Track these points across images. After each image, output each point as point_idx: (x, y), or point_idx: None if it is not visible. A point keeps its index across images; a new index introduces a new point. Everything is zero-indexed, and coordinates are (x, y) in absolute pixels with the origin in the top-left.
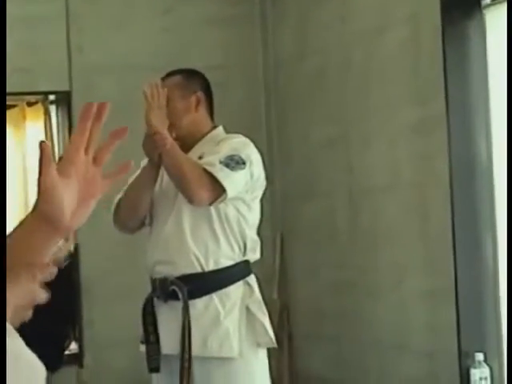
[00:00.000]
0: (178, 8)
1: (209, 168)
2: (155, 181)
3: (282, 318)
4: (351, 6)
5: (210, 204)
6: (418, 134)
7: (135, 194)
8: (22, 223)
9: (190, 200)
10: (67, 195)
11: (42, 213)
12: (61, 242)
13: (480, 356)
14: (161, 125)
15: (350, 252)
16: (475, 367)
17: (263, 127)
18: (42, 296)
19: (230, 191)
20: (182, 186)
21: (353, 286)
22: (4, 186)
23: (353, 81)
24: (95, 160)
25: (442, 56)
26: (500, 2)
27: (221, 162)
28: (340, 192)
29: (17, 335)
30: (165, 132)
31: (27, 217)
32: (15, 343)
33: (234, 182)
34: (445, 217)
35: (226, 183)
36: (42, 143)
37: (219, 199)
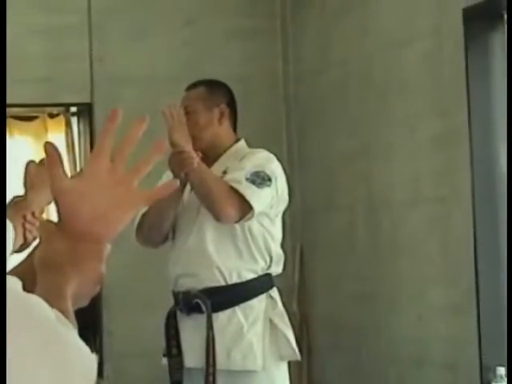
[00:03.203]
0: (199, 20)
1: (235, 185)
2: (180, 199)
3: (301, 330)
4: (373, 18)
5: (237, 222)
6: (439, 146)
7: (159, 212)
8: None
9: (217, 218)
10: (82, 198)
11: (59, 218)
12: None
13: (502, 370)
14: (186, 143)
15: (369, 264)
16: (496, 381)
17: (283, 140)
18: (104, 273)
19: (257, 208)
20: (209, 204)
21: (373, 298)
22: (4, 185)
23: (374, 94)
24: (131, 171)
25: (464, 69)
26: None
27: (247, 179)
28: (360, 205)
29: (73, 327)
30: (191, 151)
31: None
32: (71, 332)
33: (260, 199)
34: (466, 230)
35: (252, 201)
36: (46, 144)
37: (246, 217)
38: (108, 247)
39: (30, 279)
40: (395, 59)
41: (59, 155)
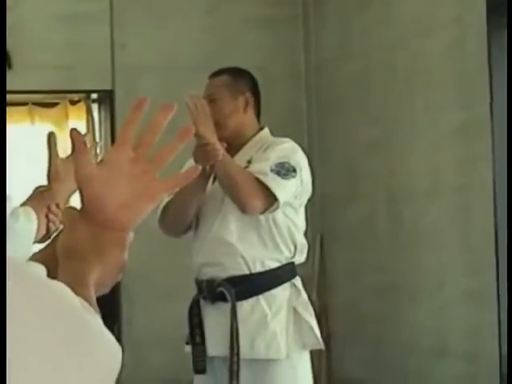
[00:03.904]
0: (220, 8)
1: (261, 177)
2: (205, 189)
3: (320, 319)
4: (396, 9)
5: (263, 213)
6: (461, 137)
7: (184, 202)
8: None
9: (243, 209)
10: (108, 186)
11: (84, 205)
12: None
13: None
14: (211, 135)
15: (390, 255)
16: None
17: (304, 129)
18: (126, 260)
19: (282, 200)
20: (235, 196)
21: (393, 288)
22: (4, 185)
23: (396, 84)
24: (154, 160)
25: (486, 60)
26: None
27: (272, 170)
28: (381, 195)
29: (97, 314)
30: (216, 142)
31: (72, 214)
32: (97, 320)
33: (285, 190)
34: (487, 220)
35: (278, 192)
36: (72, 131)
37: (271, 208)
38: (131, 235)
39: (51, 266)
40: (417, 49)
41: (85, 142)
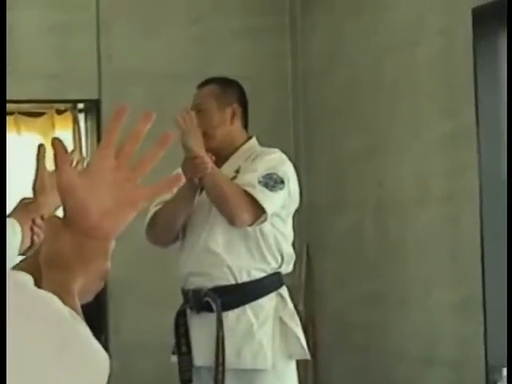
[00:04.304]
0: (207, 18)
1: (249, 189)
2: (193, 201)
3: (307, 329)
4: (383, 18)
5: (251, 225)
6: (448, 147)
7: (172, 213)
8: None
9: (232, 222)
10: (91, 194)
11: (67, 214)
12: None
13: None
14: (199, 148)
15: (377, 264)
16: (502, 382)
17: (291, 138)
18: (109, 269)
19: (270, 212)
20: (223, 209)
21: (380, 297)
22: (4, 186)
23: (383, 93)
24: (136, 168)
25: (473, 70)
26: None
27: (260, 182)
28: (368, 204)
29: (84, 324)
30: (205, 155)
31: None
32: (85, 329)
33: (273, 202)
34: (474, 229)
35: (266, 205)
36: (54, 140)
37: (259, 220)
38: (113, 244)
39: (35, 276)
40: (405, 58)
41: (67, 151)
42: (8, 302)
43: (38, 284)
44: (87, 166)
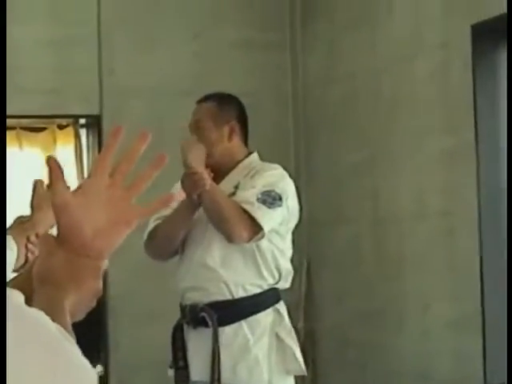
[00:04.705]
0: (208, 33)
1: (247, 207)
2: (192, 217)
3: (306, 344)
4: (381, 32)
5: (248, 241)
6: (446, 162)
7: (172, 230)
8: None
9: (229, 238)
10: (85, 213)
11: (60, 232)
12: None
13: None
14: (199, 164)
15: (375, 280)
16: None
17: (291, 152)
18: (101, 287)
19: (267, 229)
20: (221, 225)
21: (378, 314)
22: (4, 188)
23: (382, 107)
24: (131, 187)
25: (471, 85)
26: None
27: (258, 199)
28: (366, 219)
29: (74, 342)
30: (204, 172)
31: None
32: (74, 347)
33: (271, 219)
34: (472, 245)
35: (263, 222)
36: (49, 158)
37: (257, 237)
38: (106, 263)
39: (27, 293)
40: (403, 74)
41: (61, 170)
42: None
43: (29, 300)
44: (82, 184)
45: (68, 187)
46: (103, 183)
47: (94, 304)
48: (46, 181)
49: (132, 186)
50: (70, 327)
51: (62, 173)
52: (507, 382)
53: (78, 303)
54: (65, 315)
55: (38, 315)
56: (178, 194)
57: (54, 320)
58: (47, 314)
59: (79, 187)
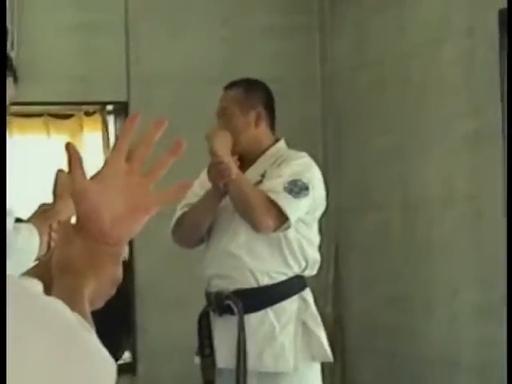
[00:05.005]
0: (235, 18)
1: (273, 196)
2: (218, 206)
3: (335, 330)
4: (409, 17)
5: (274, 231)
6: (473, 146)
7: (197, 217)
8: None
9: (255, 228)
10: (103, 199)
11: (79, 219)
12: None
13: None
14: (225, 154)
15: (404, 265)
16: None
17: (319, 139)
18: (121, 274)
19: (294, 219)
20: (248, 215)
21: (406, 299)
22: (4, 187)
23: (410, 92)
24: (148, 174)
25: (498, 69)
26: None
27: (284, 189)
28: (394, 204)
29: (93, 330)
30: (230, 161)
31: (67, 228)
32: (92, 336)
33: (297, 209)
34: (500, 230)
35: (289, 211)
36: (67, 146)
37: (283, 227)
38: (126, 249)
39: (46, 281)
40: (431, 58)
41: (80, 157)
42: (15, 309)
43: (48, 289)
44: (99, 170)
45: (86, 173)
46: (121, 169)
47: (113, 292)
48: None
49: (150, 172)
50: (89, 316)
51: (81, 160)
52: (507, 382)
53: (97, 291)
54: (84, 304)
55: (55, 303)
56: (197, 181)
57: (73, 309)
58: (66, 302)
59: (97, 174)
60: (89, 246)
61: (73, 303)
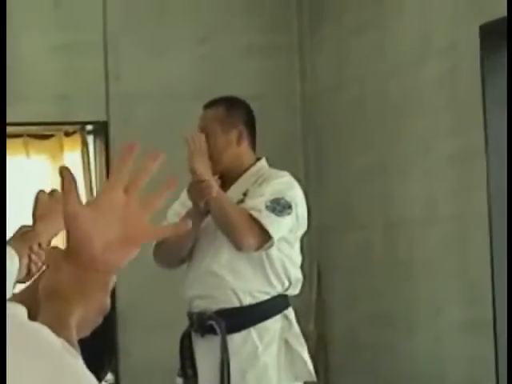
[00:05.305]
0: (215, 37)
1: (255, 214)
2: (199, 226)
3: (318, 349)
4: (390, 36)
5: (257, 250)
6: (456, 165)
7: (179, 239)
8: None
9: (238, 246)
10: (96, 226)
11: (70, 243)
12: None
13: None
14: (205, 172)
15: (386, 284)
16: None
17: (300, 157)
18: (109, 303)
19: (276, 238)
20: (230, 233)
21: (390, 317)
22: (4, 186)
23: (391, 111)
24: (145, 206)
25: (480, 87)
26: None
27: (267, 207)
28: (377, 223)
29: (78, 356)
30: (211, 179)
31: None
32: (78, 362)
33: (280, 227)
34: (483, 248)
35: (272, 230)
36: (62, 169)
37: (266, 245)
38: (114, 278)
39: (32, 307)
40: (412, 77)
41: (74, 180)
42: None
43: (34, 315)
44: (96, 198)
45: (80, 199)
46: (118, 199)
47: (100, 320)
48: (50, 190)
49: (146, 204)
50: (75, 342)
51: (75, 183)
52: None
53: (84, 319)
54: (71, 330)
55: (40, 329)
56: (177, 201)
57: (59, 335)
58: (52, 328)
59: (93, 200)
60: (78, 273)
61: (59, 330)
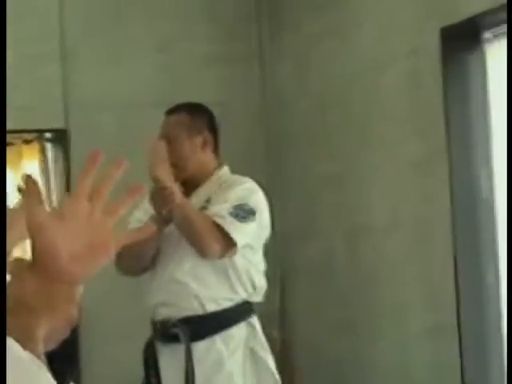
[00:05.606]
0: (175, 45)
1: (219, 221)
2: (161, 233)
3: (282, 357)
4: (350, 42)
5: (221, 257)
6: (418, 170)
7: (141, 246)
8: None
9: (201, 253)
10: (62, 235)
11: (35, 254)
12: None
13: None
14: (168, 179)
15: (350, 290)
16: None
17: (263, 165)
18: (76, 315)
19: (241, 244)
20: (193, 240)
21: (354, 324)
22: (4, 185)
23: (353, 118)
24: (109, 213)
25: (442, 91)
26: (501, 37)
27: (230, 214)
28: (340, 230)
29: (45, 368)
30: (173, 186)
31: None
32: (46, 375)
33: (244, 234)
34: (447, 254)
35: (236, 237)
36: (27, 177)
37: (230, 252)
38: (81, 289)
39: None
40: (373, 83)
41: (39, 189)
42: None
43: None
44: (60, 206)
45: (44, 207)
46: (82, 208)
47: (67, 333)
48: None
49: (110, 211)
50: (41, 355)
51: (40, 193)
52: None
53: (51, 331)
54: (37, 343)
55: (7, 342)
56: (139, 208)
57: (25, 348)
58: (19, 341)
59: (57, 210)
60: (44, 284)
61: (26, 342)
